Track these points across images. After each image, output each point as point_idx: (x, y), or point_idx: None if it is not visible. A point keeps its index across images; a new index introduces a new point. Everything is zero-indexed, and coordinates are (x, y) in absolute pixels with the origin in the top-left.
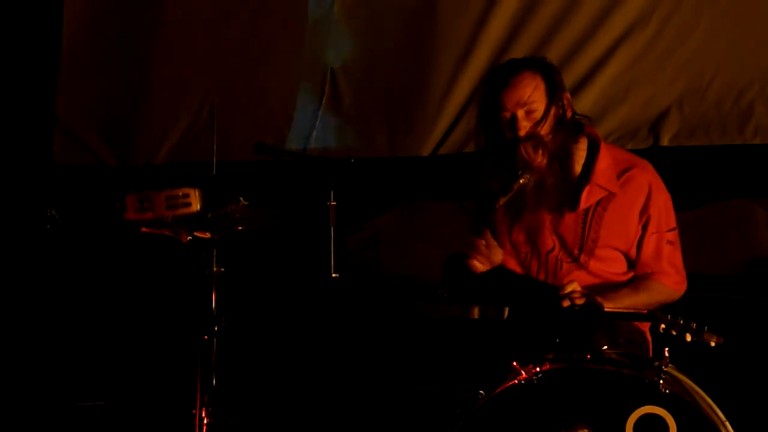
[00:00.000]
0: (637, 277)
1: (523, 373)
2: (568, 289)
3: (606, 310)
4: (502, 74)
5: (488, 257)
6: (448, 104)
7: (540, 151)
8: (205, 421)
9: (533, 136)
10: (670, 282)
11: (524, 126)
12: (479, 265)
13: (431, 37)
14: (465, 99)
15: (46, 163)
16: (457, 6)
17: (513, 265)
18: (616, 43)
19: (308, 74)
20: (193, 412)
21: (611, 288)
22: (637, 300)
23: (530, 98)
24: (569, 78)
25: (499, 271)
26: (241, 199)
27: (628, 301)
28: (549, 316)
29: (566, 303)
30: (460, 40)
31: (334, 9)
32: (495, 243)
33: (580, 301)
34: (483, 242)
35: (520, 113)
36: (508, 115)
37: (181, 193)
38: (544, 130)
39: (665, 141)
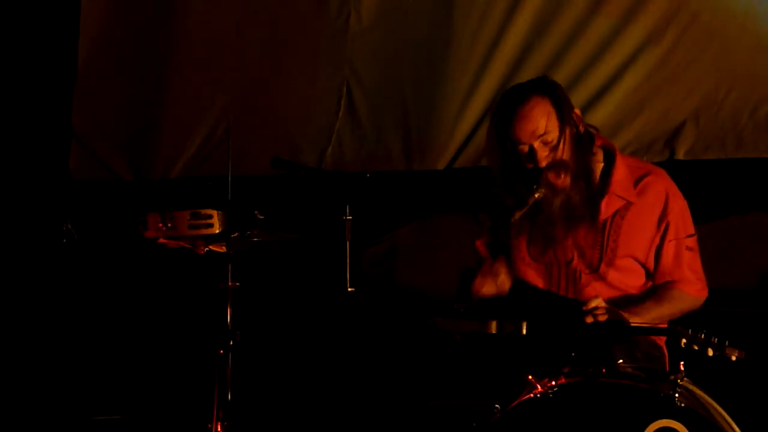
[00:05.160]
0: (659, 287)
1: (539, 386)
2: (592, 304)
3: (631, 325)
4: (510, 106)
5: (495, 282)
6: (463, 118)
7: (563, 174)
8: None
9: (555, 165)
10: (692, 289)
11: (544, 156)
12: (485, 288)
13: (447, 51)
14: (481, 112)
15: (62, 177)
16: (473, 21)
17: (533, 277)
18: (631, 57)
19: (324, 89)
20: (209, 426)
21: (635, 301)
22: (662, 311)
23: (544, 128)
24: (584, 92)
25: (518, 285)
26: (257, 213)
27: (654, 314)
28: (567, 331)
29: (589, 319)
30: (476, 55)
31: (349, 24)
32: (505, 270)
33: (603, 318)
34: (490, 261)
35: (537, 144)
36: (525, 148)
37: (204, 214)
38: (566, 154)
39: (681, 154)
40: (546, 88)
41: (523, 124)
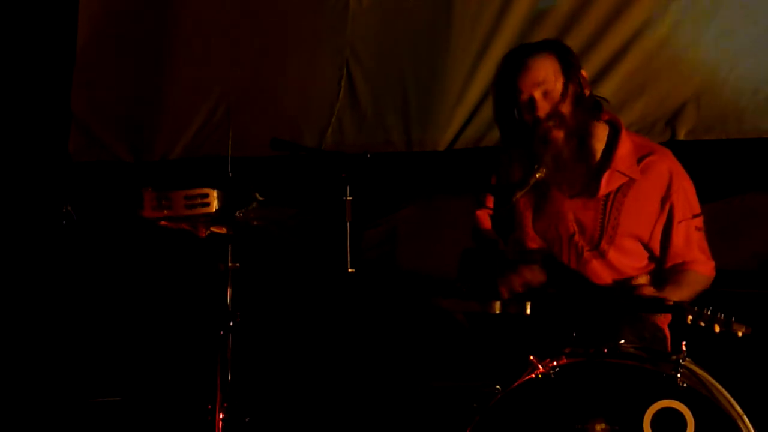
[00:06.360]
0: (673, 270)
1: (540, 367)
2: (641, 281)
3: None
4: (515, 58)
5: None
6: (464, 98)
7: (557, 124)
8: (221, 417)
9: (553, 115)
10: (704, 269)
11: (543, 107)
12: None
13: (447, 32)
14: (482, 93)
15: (61, 159)
16: (474, 2)
17: None
18: (632, 37)
19: (324, 70)
20: (209, 407)
21: (655, 285)
22: (682, 295)
23: (546, 78)
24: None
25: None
26: (257, 194)
27: (676, 298)
28: (573, 307)
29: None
30: (477, 35)
31: (350, 6)
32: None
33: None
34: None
35: (537, 94)
36: (525, 97)
37: (199, 193)
38: (565, 108)
39: (682, 135)
40: (555, 45)
41: (525, 73)
